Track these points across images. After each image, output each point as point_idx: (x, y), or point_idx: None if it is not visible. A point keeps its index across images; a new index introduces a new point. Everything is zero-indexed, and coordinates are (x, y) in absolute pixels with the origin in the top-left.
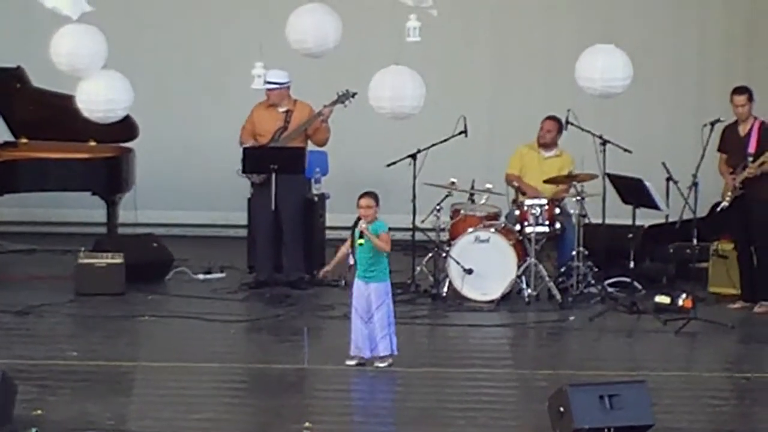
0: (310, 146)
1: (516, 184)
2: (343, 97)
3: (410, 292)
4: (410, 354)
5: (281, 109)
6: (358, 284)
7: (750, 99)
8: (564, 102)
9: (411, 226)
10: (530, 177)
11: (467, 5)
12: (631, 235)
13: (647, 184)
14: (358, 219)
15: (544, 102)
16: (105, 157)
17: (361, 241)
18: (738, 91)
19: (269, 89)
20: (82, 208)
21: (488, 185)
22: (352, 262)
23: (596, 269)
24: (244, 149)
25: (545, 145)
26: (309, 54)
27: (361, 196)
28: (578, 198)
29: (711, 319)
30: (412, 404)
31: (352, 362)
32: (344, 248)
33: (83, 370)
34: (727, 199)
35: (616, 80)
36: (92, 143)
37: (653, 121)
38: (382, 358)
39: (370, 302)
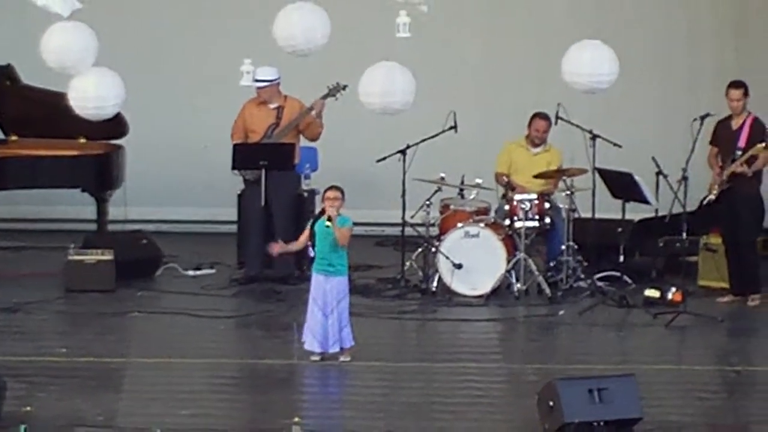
0: (301, 142)
1: (506, 181)
2: (334, 90)
3: (400, 287)
4: (399, 349)
5: (272, 106)
6: (317, 277)
7: (746, 94)
8: (553, 96)
9: (401, 221)
10: (519, 173)
11: (457, 1)
12: (620, 230)
13: (637, 178)
14: (321, 212)
15: (534, 97)
16: (95, 154)
17: (328, 224)
18: (734, 85)
19: (259, 87)
20: (72, 205)
21: (478, 180)
22: (312, 254)
23: (586, 263)
24: (234, 146)
25: (535, 143)
26: (297, 52)
27: (328, 189)
28: (568, 192)
29: (700, 312)
30: (402, 399)
31: (316, 357)
32: (303, 238)
33: (73, 366)
34: (714, 192)
35: (602, 75)
36: (82, 140)
37: (643, 116)
38: (345, 351)
39: (331, 296)
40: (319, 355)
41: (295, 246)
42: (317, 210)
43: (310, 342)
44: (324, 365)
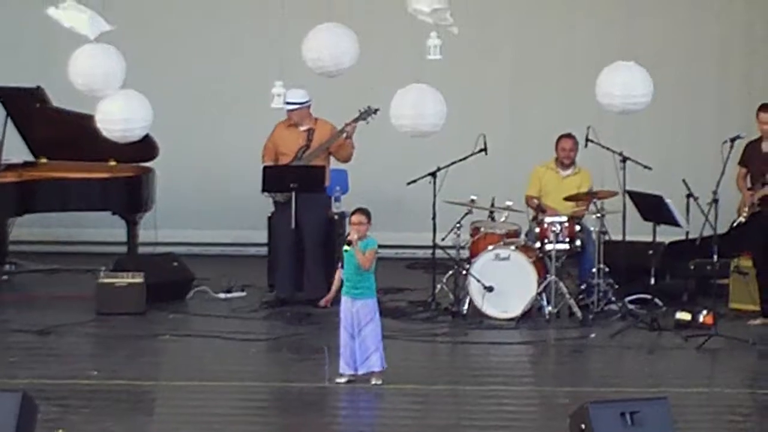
0: (332, 164)
1: (536, 204)
2: (365, 114)
3: (431, 309)
4: (431, 372)
5: (303, 128)
6: (345, 300)
7: None
8: (583, 119)
9: (431, 243)
10: (550, 196)
11: (487, 23)
12: (651, 252)
13: (667, 200)
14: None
15: (564, 119)
16: (125, 176)
17: (347, 248)
18: (765, 108)
19: (290, 109)
20: (103, 228)
21: (508, 203)
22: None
23: (617, 286)
24: (264, 168)
25: (564, 164)
26: (325, 73)
27: (354, 213)
28: (598, 215)
29: (732, 335)
30: (433, 422)
31: (343, 380)
32: (339, 273)
33: (104, 389)
34: (744, 214)
35: (636, 97)
36: (112, 163)
37: (673, 138)
38: (376, 374)
39: (358, 318)
40: (347, 377)
41: (336, 282)
42: (347, 232)
43: (343, 367)
44: (355, 388)
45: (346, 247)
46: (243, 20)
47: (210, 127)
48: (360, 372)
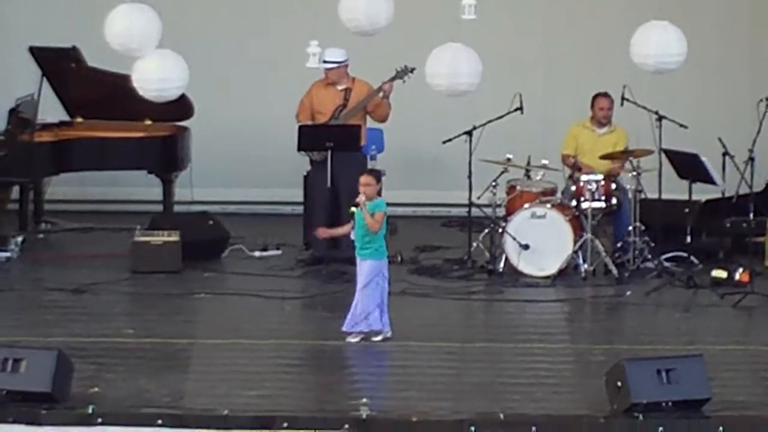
0: (368, 123)
1: (572, 162)
2: (402, 73)
3: (466, 267)
4: (467, 329)
5: (340, 87)
6: (357, 260)
7: None
8: (618, 78)
9: (467, 202)
10: (586, 155)
11: None
12: (687, 210)
13: (703, 159)
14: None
15: (599, 78)
16: (161, 135)
17: (353, 210)
18: None
19: (327, 68)
20: (138, 187)
21: (544, 161)
22: (353, 238)
23: (653, 244)
24: (300, 127)
25: (600, 123)
26: (361, 32)
27: (362, 174)
28: (634, 173)
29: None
30: (469, 379)
31: (355, 339)
32: (345, 228)
33: (139, 347)
34: None
35: (670, 56)
36: (148, 122)
37: (709, 97)
38: (375, 332)
39: (361, 277)
40: (358, 336)
41: (340, 231)
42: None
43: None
44: (391, 346)
45: (353, 209)
46: None
47: (245, 86)
48: (357, 329)
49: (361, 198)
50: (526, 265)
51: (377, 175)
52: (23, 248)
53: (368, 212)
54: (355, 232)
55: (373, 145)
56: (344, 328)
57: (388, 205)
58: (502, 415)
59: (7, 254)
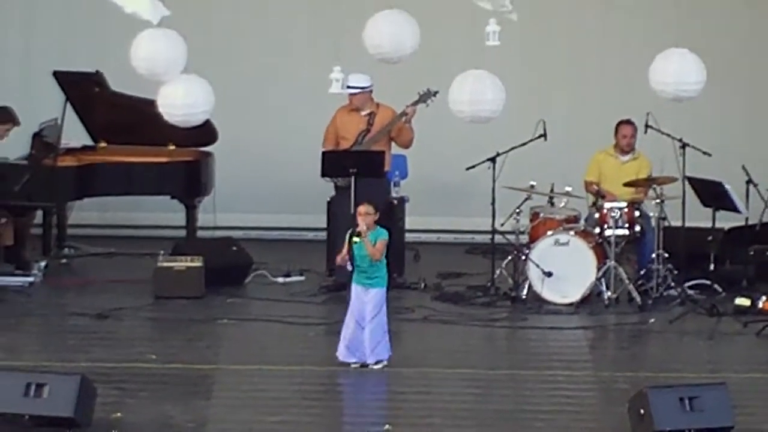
0: (392, 149)
1: (596, 189)
2: (425, 96)
3: (490, 294)
4: (490, 356)
5: (364, 113)
6: (356, 289)
7: None
8: (642, 105)
9: (490, 229)
10: (609, 182)
11: (545, 10)
12: (711, 238)
13: (727, 186)
14: (356, 226)
15: (623, 105)
16: (184, 161)
17: (356, 239)
18: None
19: (351, 93)
20: (162, 212)
21: (567, 188)
22: (350, 268)
23: (676, 272)
24: (323, 153)
25: (624, 150)
26: (386, 60)
27: (361, 204)
28: (658, 201)
29: None
30: (492, 406)
31: (357, 365)
32: (343, 251)
33: (162, 373)
34: None
35: (688, 84)
36: (172, 147)
37: (733, 124)
38: (382, 362)
39: (368, 309)
40: (359, 364)
41: (338, 259)
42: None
43: (344, 354)
44: (414, 373)
45: (355, 239)
46: (302, 5)
47: (269, 112)
48: (369, 361)
49: (362, 227)
50: (550, 292)
51: (375, 204)
52: (46, 273)
53: (370, 242)
54: (357, 261)
55: (397, 171)
56: (352, 359)
57: (411, 231)
58: None
59: (30, 279)
